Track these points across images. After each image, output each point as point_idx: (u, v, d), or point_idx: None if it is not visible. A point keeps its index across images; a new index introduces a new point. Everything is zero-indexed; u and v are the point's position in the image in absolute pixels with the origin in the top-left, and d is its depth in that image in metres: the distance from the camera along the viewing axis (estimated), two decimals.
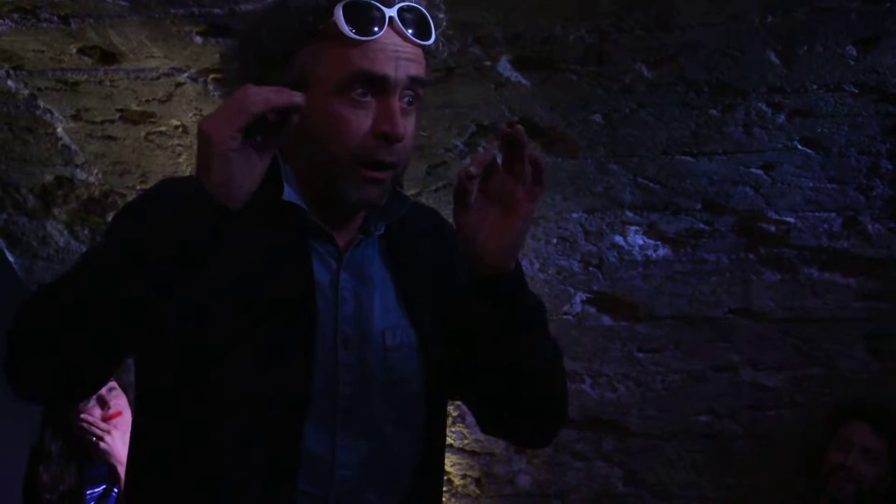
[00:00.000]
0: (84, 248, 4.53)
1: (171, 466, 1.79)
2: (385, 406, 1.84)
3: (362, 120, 1.76)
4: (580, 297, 4.23)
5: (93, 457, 3.73)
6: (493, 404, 1.94)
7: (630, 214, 3.91)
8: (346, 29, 1.73)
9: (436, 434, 1.94)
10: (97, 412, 3.73)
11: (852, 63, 3.28)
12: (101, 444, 3.68)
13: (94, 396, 3.74)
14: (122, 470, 3.69)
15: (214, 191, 1.62)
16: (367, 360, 1.83)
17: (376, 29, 1.75)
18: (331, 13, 1.75)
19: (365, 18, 1.75)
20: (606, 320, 4.26)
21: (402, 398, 1.86)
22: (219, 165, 1.63)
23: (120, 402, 3.77)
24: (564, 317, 4.26)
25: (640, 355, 4.36)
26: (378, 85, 1.76)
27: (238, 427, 1.74)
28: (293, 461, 1.75)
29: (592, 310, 4.26)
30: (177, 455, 1.78)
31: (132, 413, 1.88)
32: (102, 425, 3.69)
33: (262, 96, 1.63)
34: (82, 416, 3.70)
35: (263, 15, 1.85)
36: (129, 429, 3.75)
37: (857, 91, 3.37)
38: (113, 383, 3.80)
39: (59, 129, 4.03)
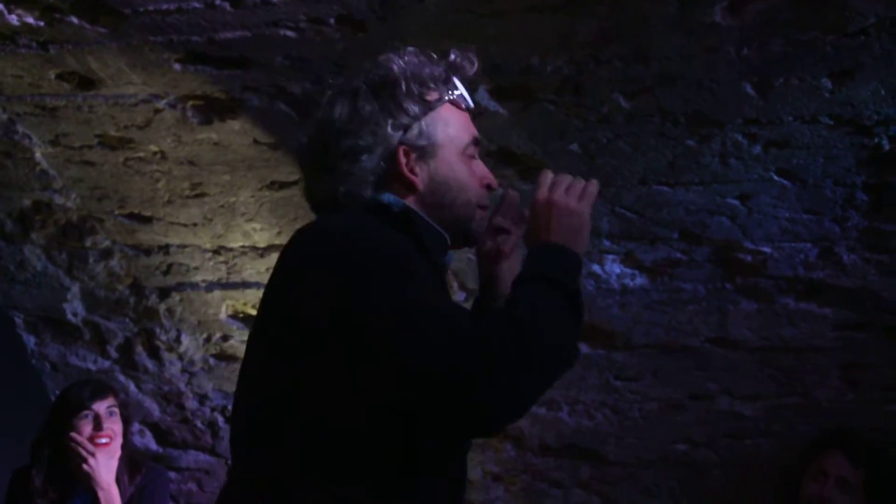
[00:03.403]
0: (61, 273, 4.52)
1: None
2: None
3: (477, 173, 2.17)
4: None
5: (76, 477, 3.72)
6: None
7: (607, 243, 3.92)
8: (469, 100, 2.19)
9: None
10: (88, 430, 3.71)
11: (827, 95, 3.30)
12: (84, 466, 3.66)
13: (91, 415, 3.74)
14: (102, 496, 3.67)
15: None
16: None
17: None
18: (453, 84, 2.16)
19: (467, 92, 2.20)
20: (584, 348, 4.26)
21: None
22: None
23: (115, 427, 3.76)
24: None
25: (618, 383, 4.36)
26: (476, 146, 2.20)
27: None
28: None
29: None
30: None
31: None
32: (89, 447, 3.68)
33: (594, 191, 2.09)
34: (72, 434, 3.69)
35: (383, 85, 2.11)
36: (118, 454, 3.76)
37: (832, 123, 3.38)
38: (113, 404, 3.80)
39: (38, 154, 4.02)
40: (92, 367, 4.82)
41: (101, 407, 3.74)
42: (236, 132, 3.77)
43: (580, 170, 3.64)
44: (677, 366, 4.26)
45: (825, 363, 4.15)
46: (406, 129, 2.09)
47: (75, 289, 4.59)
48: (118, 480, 3.75)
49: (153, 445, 5.03)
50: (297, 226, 4.01)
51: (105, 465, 3.68)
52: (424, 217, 2.10)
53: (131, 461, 3.84)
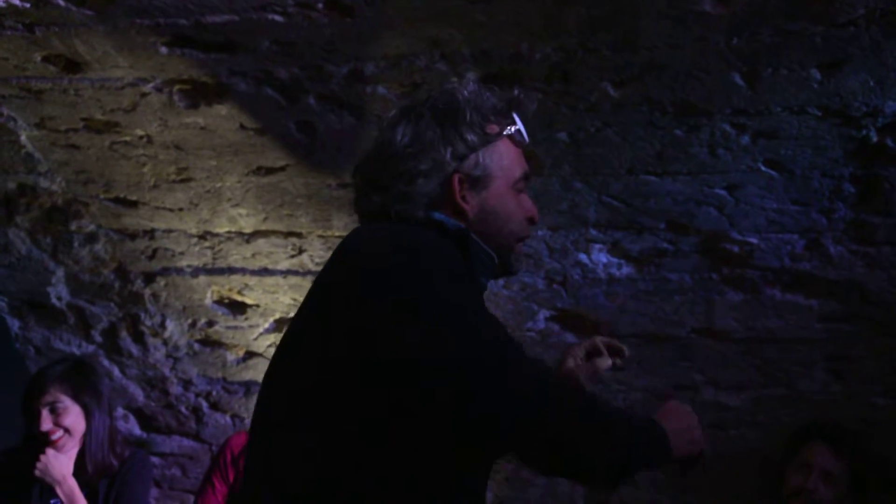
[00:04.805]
0: (46, 257, 4.50)
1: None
2: None
3: (523, 206, 2.24)
4: (544, 314, 4.23)
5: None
6: None
7: (594, 233, 3.91)
8: (526, 136, 2.25)
9: None
10: (49, 423, 3.69)
11: (816, 86, 3.30)
12: (39, 460, 3.65)
13: (47, 406, 3.70)
14: (59, 491, 3.65)
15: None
16: None
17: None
18: (511, 118, 2.24)
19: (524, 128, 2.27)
20: (570, 337, 4.26)
21: None
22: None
23: (65, 421, 3.71)
24: (528, 333, 4.26)
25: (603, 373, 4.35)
26: (526, 180, 2.26)
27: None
28: None
29: (556, 327, 4.27)
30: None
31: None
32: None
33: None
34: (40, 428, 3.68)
35: (446, 114, 2.18)
36: (68, 447, 3.73)
37: (820, 114, 3.39)
38: (54, 400, 3.73)
39: (23, 137, 4.00)
40: (76, 351, 4.81)
41: (43, 407, 3.69)
42: (223, 117, 3.75)
43: (568, 158, 3.64)
44: (663, 356, 4.26)
45: (811, 354, 4.15)
46: (463, 158, 2.16)
47: (60, 273, 4.57)
48: (100, 466, 3.73)
49: (137, 430, 5.01)
50: (284, 212, 4.04)
51: (55, 461, 3.65)
52: (476, 238, 2.17)
53: (114, 446, 3.81)
